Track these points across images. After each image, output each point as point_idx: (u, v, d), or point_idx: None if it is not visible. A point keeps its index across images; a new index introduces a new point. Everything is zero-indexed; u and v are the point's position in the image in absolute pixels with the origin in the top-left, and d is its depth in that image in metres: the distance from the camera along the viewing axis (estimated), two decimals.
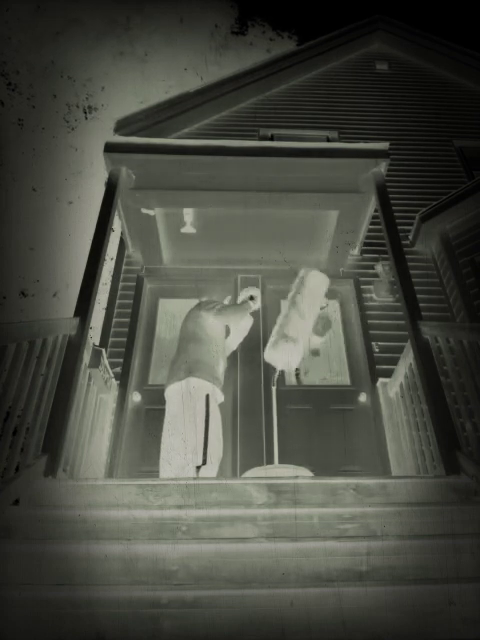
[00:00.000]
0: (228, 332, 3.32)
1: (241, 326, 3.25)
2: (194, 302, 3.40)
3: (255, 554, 1.53)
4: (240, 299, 3.40)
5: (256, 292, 3.28)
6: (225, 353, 3.15)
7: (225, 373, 3.06)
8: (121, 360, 4.00)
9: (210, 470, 2.64)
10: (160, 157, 3.56)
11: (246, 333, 3.30)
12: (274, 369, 3.26)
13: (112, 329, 4.27)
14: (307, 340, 3.12)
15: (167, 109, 6.05)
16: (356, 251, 4.58)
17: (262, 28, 18.69)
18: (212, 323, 3.07)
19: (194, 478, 2.53)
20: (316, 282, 3.26)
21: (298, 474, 2.47)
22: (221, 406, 2.97)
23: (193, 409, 2.73)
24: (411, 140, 6.03)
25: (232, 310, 3.19)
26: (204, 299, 3.29)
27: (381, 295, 4.49)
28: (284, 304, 3.18)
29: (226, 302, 3.40)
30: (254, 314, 3.46)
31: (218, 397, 2.90)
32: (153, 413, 3.81)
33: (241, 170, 3.65)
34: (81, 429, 2.84)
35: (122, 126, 5.57)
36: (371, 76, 7.12)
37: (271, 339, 3.08)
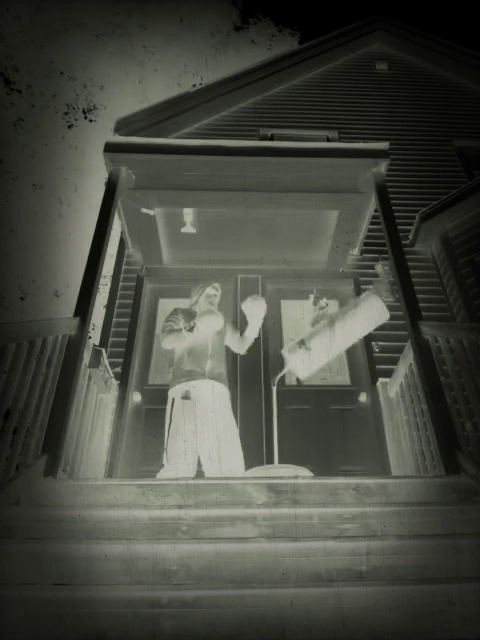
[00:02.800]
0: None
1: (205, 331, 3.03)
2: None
3: (255, 554, 1.53)
4: (200, 305, 3.25)
5: (324, 302, 3.26)
6: (198, 342, 3.02)
7: (208, 364, 2.96)
8: (121, 360, 4.00)
9: (168, 471, 2.68)
10: (160, 157, 3.56)
11: (211, 331, 3.03)
12: (280, 368, 3.26)
13: (112, 329, 4.27)
14: (327, 359, 3.07)
15: (167, 109, 6.05)
16: (356, 251, 4.58)
17: (264, 24, 18.67)
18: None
19: (194, 478, 2.54)
20: (372, 313, 3.11)
21: (298, 474, 2.47)
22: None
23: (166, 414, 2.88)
24: (411, 140, 6.03)
25: (162, 338, 3.06)
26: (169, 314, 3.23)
27: (381, 295, 4.48)
28: (334, 313, 3.15)
29: (193, 299, 3.30)
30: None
31: (197, 390, 2.87)
32: (153, 413, 3.81)
33: (241, 170, 3.65)
34: (81, 429, 2.84)
35: (122, 126, 5.57)
36: (371, 76, 7.12)
37: (299, 340, 3.04)
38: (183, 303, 3.42)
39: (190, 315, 3.11)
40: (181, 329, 2.99)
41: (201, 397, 2.85)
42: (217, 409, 2.88)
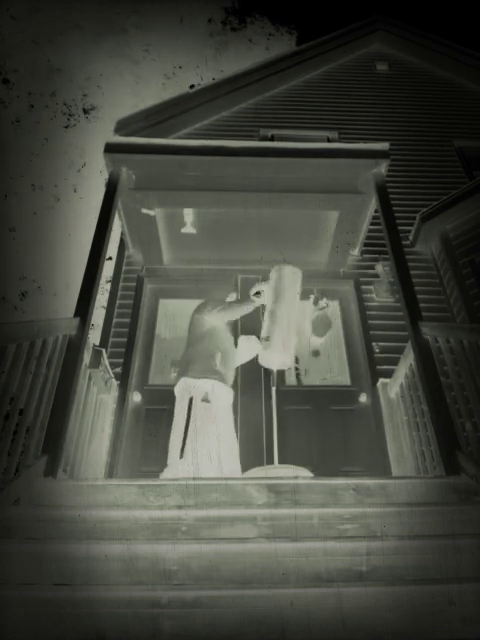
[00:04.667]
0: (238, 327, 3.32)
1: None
2: (194, 302, 3.39)
3: (255, 554, 1.53)
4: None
5: (262, 287, 3.24)
6: (227, 346, 3.09)
7: (233, 370, 3.03)
8: (121, 360, 4.00)
9: (172, 470, 2.65)
10: (160, 157, 3.56)
11: (261, 305, 3.24)
12: (270, 370, 3.25)
13: (112, 329, 4.27)
14: (295, 337, 3.06)
15: (167, 109, 6.06)
16: (356, 251, 4.58)
17: (261, 23, 18.65)
18: (210, 321, 3.08)
19: (194, 478, 2.53)
20: (289, 275, 3.17)
21: (298, 474, 2.47)
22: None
23: (180, 409, 2.80)
24: (411, 140, 6.03)
25: (235, 307, 3.19)
26: (205, 301, 3.27)
27: (381, 295, 4.49)
28: (267, 305, 3.14)
29: (230, 299, 3.38)
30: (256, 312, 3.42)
31: (218, 391, 2.88)
32: (153, 413, 3.81)
33: (241, 170, 3.65)
34: (81, 429, 2.84)
35: (122, 126, 5.57)
36: (371, 76, 7.12)
37: (262, 342, 3.03)
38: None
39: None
40: (244, 300, 3.18)
41: (217, 399, 2.84)
42: (224, 413, 2.89)
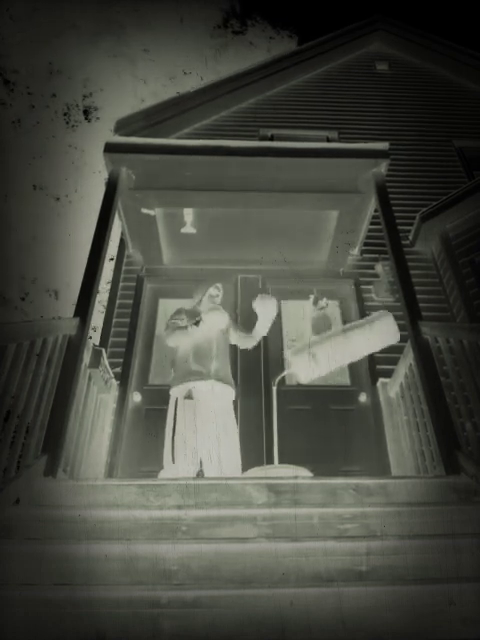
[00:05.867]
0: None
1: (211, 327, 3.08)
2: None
3: (255, 554, 1.53)
4: (201, 305, 3.28)
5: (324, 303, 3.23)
6: (199, 343, 3.03)
7: (213, 365, 2.97)
8: (121, 360, 4.00)
9: (169, 471, 2.70)
10: (160, 157, 3.56)
11: (216, 327, 3.08)
12: (281, 369, 3.24)
13: (112, 329, 4.27)
14: (329, 370, 3.05)
15: (167, 109, 6.06)
16: (356, 251, 4.58)
17: (262, 27, 18.67)
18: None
19: (194, 478, 2.54)
20: (385, 335, 3.03)
21: (298, 474, 2.47)
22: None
23: (169, 413, 2.90)
24: (411, 140, 6.03)
25: (168, 336, 3.10)
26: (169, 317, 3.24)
27: (381, 295, 4.49)
28: (339, 324, 3.12)
29: (193, 304, 3.32)
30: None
31: (201, 389, 2.88)
32: (153, 413, 3.81)
33: (241, 170, 3.65)
34: (81, 429, 2.84)
35: (122, 126, 5.58)
36: (371, 76, 7.12)
37: (299, 345, 3.03)
38: (183, 303, 3.42)
39: (193, 315, 3.14)
40: (187, 326, 3.02)
41: (204, 398, 2.85)
42: (218, 410, 2.89)
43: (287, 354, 3.08)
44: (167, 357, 4.19)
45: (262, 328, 3.16)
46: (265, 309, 3.13)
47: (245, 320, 3.68)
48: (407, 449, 3.14)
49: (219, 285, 3.33)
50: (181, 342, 3.07)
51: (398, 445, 3.36)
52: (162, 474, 2.72)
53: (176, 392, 2.92)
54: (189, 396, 2.84)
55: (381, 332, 3.03)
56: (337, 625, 1.29)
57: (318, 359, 2.93)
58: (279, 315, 4.52)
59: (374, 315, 3.14)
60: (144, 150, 3.54)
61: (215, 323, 3.02)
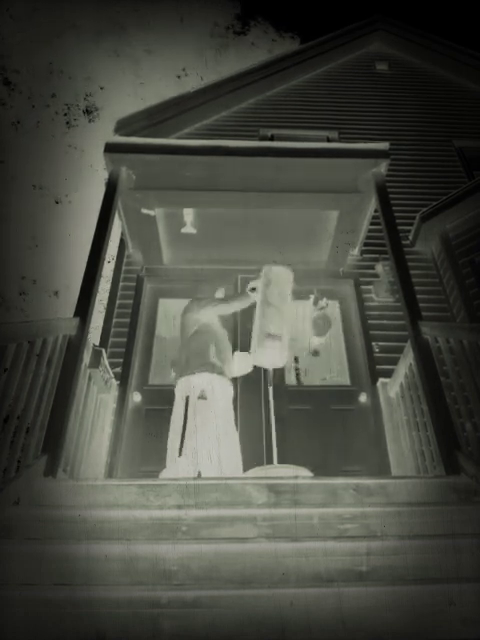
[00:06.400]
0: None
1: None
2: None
3: (255, 554, 1.53)
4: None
5: (256, 283, 3.24)
6: (220, 339, 3.09)
7: (229, 363, 3.03)
8: (121, 360, 4.00)
9: (171, 470, 2.66)
10: (160, 157, 3.56)
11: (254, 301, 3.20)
12: (266, 370, 3.24)
13: (112, 329, 4.27)
14: (289, 335, 3.06)
15: (167, 109, 6.05)
16: (356, 251, 4.58)
17: (264, 28, 18.67)
18: (203, 318, 3.10)
19: (194, 478, 2.53)
20: (279, 275, 3.17)
21: (298, 474, 2.47)
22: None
23: (178, 408, 2.84)
24: (411, 140, 6.03)
25: (230, 302, 3.20)
26: (194, 299, 3.26)
27: (381, 295, 4.49)
28: (257, 305, 3.13)
29: (219, 295, 3.37)
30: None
31: (216, 385, 2.86)
32: (153, 413, 3.81)
33: (241, 170, 3.65)
34: (81, 429, 2.84)
35: (122, 126, 5.57)
36: (371, 76, 7.12)
37: (253, 341, 3.01)
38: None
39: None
40: (248, 290, 3.15)
41: (215, 396, 2.83)
42: (224, 410, 2.89)
43: (252, 356, 3.05)
44: (167, 357, 4.20)
45: (236, 373, 3.20)
46: (243, 365, 3.17)
47: (245, 321, 3.68)
48: (407, 449, 3.14)
49: (222, 290, 3.41)
50: (243, 306, 3.19)
51: (398, 445, 3.36)
52: (164, 473, 2.70)
53: (190, 382, 2.83)
54: (202, 396, 2.80)
55: (280, 279, 3.14)
56: (337, 625, 1.29)
57: (274, 334, 2.93)
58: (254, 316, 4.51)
59: (262, 273, 3.19)
60: (144, 150, 3.54)
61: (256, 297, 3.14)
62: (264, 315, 3.01)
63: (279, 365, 3.10)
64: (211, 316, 3.10)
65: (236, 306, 3.23)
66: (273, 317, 2.99)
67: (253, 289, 3.19)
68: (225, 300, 3.21)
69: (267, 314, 3.01)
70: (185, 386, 2.86)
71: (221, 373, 2.90)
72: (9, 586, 1.40)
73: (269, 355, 2.96)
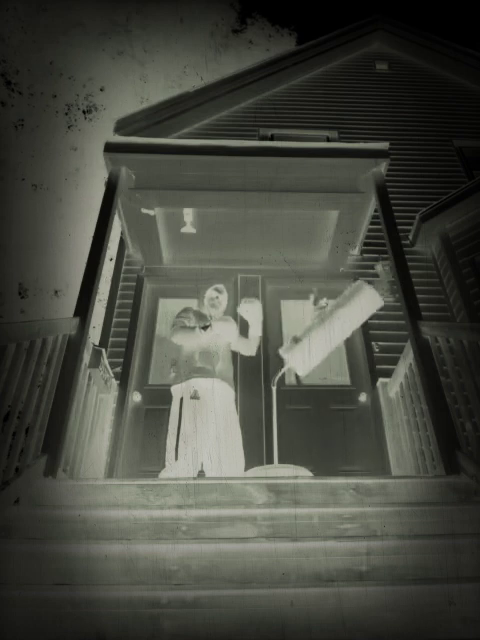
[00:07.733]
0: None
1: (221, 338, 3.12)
2: (193, 302, 3.38)
3: (255, 554, 1.53)
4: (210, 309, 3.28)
5: (323, 303, 3.16)
6: (205, 344, 3.05)
7: (218, 364, 3.02)
8: (121, 360, 4.00)
9: (171, 470, 2.68)
10: (160, 157, 3.56)
11: (222, 337, 3.10)
12: (279, 368, 3.25)
13: (112, 329, 4.27)
14: (324, 354, 3.04)
15: (167, 109, 6.05)
16: (356, 251, 4.58)
17: (261, 25, 18.66)
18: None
19: (194, 478, 2.53)
20: (366, 302, 3.05)
21: (298, 474, 2.47)
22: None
23: (173, 411, 2.89)
24: (411, 140, 6.03)
25: (179, 333, 3.06)
26: (176, 315, 3.23)
27: (381, 295, 4.49)
28: (324, 309, 3.09)
29: (207, 296, 3.31)
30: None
31: (204, 386, 2.88)
32: (153, 413, 3.81)
33: (241, 170, 3.65)
34: (81, 429, 2.84)
35: (122, 126, 5.57)
36: (371, 76, 7.12)
37: (294, 337, 3.01)
38: (183, 303, 3.43)
39: (200, 316, 3.14)
40: (195, 327, 3.02)
41: (206, 396, 2.85)
42: (222, 409, 2.89)
43: (281, 351, 3.07)
44: (167, 357, 4.19)
45: (255, 331, 3.20)
46: (251, 312, 3.15)
47: (244, 322, 3.68)
48: (407, 449, 3.14)
49: (219, 286, 3.33)
50: (185, 342, 3.06)
51: (398, 445, 3.36)
52: (163, 474, 2.72)
53: (179, 389, 2.91)
54: (195, 396, 2.83)
55: (361, 302, 3.06)
56: (337, 625, 1.29)
57: (311, 348, 2.93)
58: (279, 315, 4.52)
59: (351, 289, 3.13)
60: (144, 150, 3.54)
61: (223, 333, 3.05)
62: (322, 326, 2.99)
63: (308, 370, 3.07)
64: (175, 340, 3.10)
65: (179, 339, 3.05)
66: (314, 328, 2.99)
67: (322, 307, 3.16)
68: (178, 329, 3.05)
69: (312, 324, 3.02)
70: (180, 389, 2.92)
71: (208, 375, 2.92)
72: (9, 586, 1.40)
73: (299, 359, 2.97)
